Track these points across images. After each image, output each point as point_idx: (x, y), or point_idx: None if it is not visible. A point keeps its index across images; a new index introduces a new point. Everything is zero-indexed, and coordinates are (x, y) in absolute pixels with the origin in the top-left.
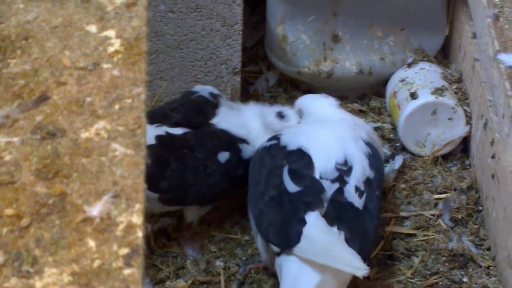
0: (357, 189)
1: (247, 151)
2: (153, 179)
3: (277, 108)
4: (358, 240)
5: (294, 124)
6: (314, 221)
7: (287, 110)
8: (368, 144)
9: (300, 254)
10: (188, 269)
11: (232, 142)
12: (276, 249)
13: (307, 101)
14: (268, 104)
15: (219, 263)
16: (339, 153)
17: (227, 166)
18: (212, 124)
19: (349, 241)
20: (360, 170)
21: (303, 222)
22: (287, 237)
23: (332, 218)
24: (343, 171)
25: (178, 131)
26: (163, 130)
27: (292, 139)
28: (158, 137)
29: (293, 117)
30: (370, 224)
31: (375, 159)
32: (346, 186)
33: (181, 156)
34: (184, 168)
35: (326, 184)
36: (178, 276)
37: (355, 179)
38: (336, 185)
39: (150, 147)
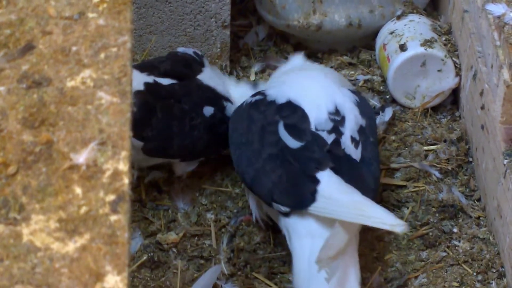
0: (352, 139)
1: (231, 109)
2: (139, 126)
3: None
4: None
5: None
6: (328, 179)
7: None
8: (353, 92)
9: (319, 213)
10: (179, 221)
11: (217, 98)
12: (284, 209)
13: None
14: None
15: (210, 215)
16: (329, 102)
17: (211, 121)
18: (199, 79)
19: None
20: (353, 119)
21: (316, 181)
22: (300, 197)
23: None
24: (337, 121)
25: (165, 81)
26: (151, 78)
27: (279, 92)
28: (147, 84)
29: None
30: (368, 174)
31: (364, 106)
32: (342, 137)
33: (168, 106)
34: (169, 118)
35: (323, 135)
36: (169, 228)
37: (350, 129)
38: (333, 136)
39: (138, 93)
